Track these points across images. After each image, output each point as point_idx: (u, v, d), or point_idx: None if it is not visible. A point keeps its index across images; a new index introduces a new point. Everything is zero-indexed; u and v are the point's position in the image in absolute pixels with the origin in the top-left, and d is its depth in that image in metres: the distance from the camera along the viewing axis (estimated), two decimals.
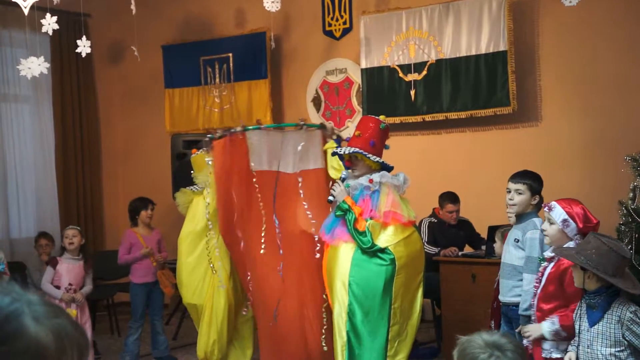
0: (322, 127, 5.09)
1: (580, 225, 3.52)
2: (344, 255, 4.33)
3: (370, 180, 4.34)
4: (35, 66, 5.34)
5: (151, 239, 6.06)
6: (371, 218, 4.28)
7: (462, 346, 1.97)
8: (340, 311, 4.30)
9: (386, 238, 4.28)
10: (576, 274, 3.21)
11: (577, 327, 3.26)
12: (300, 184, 4.83)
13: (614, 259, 3.09)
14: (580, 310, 3.25)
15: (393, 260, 4.24)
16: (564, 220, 3.54)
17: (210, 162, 4.87)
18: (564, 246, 3.40)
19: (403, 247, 4.28)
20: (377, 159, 4.40)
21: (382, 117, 4.49)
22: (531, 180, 4.04)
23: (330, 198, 4.49)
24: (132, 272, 6.08)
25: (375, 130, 4.45)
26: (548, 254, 3.62)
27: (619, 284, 3.09)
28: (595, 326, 3.15)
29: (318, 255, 4.63)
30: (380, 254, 4.26)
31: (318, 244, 4.63)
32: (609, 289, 3.13)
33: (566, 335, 3.41)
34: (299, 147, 4.90)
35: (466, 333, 2.09)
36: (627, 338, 3.07)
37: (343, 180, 4.52)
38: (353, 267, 4.28)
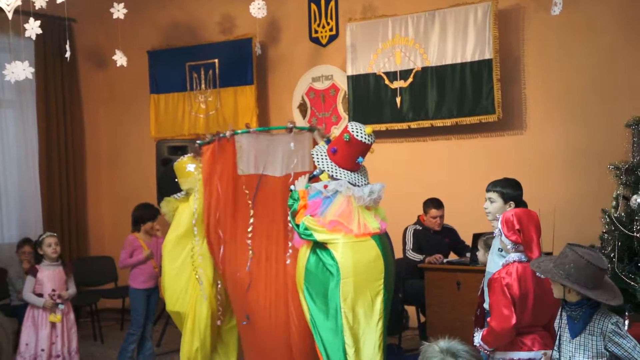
0: (311, 129, 5.08)
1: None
2: (300, 261, 4.38)
3: (325, 187, 4.33)
4: (19, 71, 5.29)
5: (152, 244, 6.02)
6: (312, 216, 4.29)
7: (422, 354, 2.20)
8: (306, 313, 4.33)
9: (328, 235, 4.24)
10: (556, 287, 3.20)
11: (558, 337, 3.27)
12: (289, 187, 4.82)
13: (593, 272, 3.08)
14: (562, 321, 3.26)
15: (337, 265, 4.22)
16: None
17: (192, 169, 4.86)
18: (541, 261, 3.39)
19: (350, 252, 4.22)
20: (322, 164, 4.39)
21: (367, 130, 4.36)
22: (501, 187, 4.07)
23: (292, 187, 4.55)
24: (132, 277, 6.00)
25: (339, 137, 4.46)
26: (507, 260, 3.63)
27: (599, 297, 3.09)
28: (577, 338, 3.15)
29: (289, 261, 4.63)
30: (325, 257, 4.25)
31: (290, 250, 4.64)
32: (590, 300, 3.13)
33: (489, 349, 3.54)
34: (291, 149, 4.90)
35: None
36: (609, 349, 3.08)
37: (313, 177, 4.56)
38: (306, 272, 4.31)
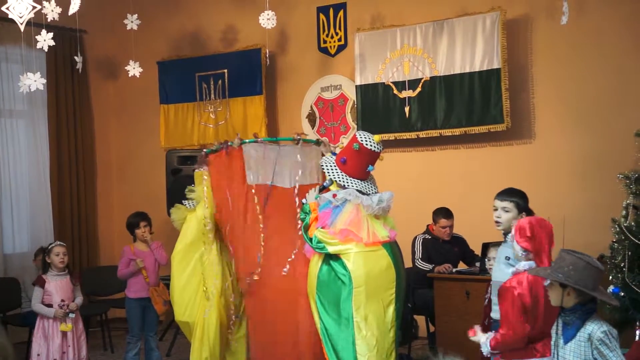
0: (317, 143, 5.10)
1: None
2: (312, 269, 4.38)
3: (334, 196, 4.35)
4: (31, 82, 5.34)
5: (147, 254, 6.05)
6: (322, 227, 4.31)
7: None
8: (317, 322, 4.33)
9: (340, 246, 4.25)
10: (554, 292, 3.19)
11: (553, 342, 3.28)
12: (297, 199, 4.82)
13: (592, 273, 3.10)
14: (557, 326, 3.26)
15: (349, 274, 4.22)
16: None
17: (206, 177, 4.87)
18: (539, 269, 3.40)
19: (362, 261, 4.23)
20: (332, 174, 4.41)
21: (376, 138, 4.41)
22: (518, 197, 4.07)
23: (304, 201, 4.56)
24: (127, 286, 6.08)
25: (347, 147, 4.48)
26: (517, 269, 3.62)
27: (601, 296, 3.11)
28: (569, 343, 3.15)
29: (287, 267, 4.59)
30: (337, 266, 4.25)
31: (287, 264, 4.60)
32: (585, 306, 3.13)
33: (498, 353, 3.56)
34: (299, 160, 4.90)
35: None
36: (595, 357, 3.07)
37: (323, 188, 4.56)
38: (317, 282, 4.31)
